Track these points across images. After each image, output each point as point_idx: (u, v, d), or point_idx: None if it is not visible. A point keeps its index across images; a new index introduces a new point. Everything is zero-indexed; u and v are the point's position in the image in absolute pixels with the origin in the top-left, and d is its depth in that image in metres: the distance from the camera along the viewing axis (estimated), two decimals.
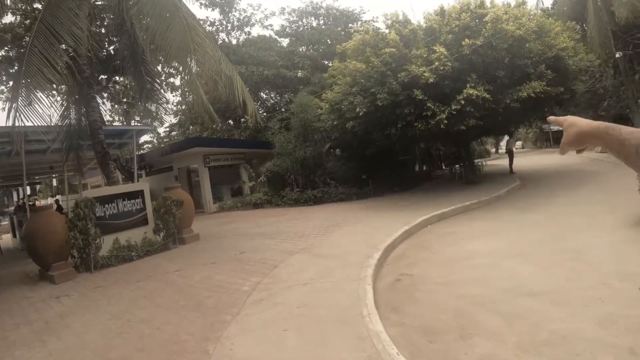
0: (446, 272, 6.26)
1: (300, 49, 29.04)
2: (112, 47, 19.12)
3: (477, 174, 18.83)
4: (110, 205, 9.92)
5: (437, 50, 12.92)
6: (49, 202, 22.80)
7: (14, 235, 17.94)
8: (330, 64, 26.15)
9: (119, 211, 10.09)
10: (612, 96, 27.76)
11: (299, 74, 27.74)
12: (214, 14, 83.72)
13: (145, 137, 38.02)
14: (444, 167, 28.74)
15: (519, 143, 77.56)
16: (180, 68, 11.74)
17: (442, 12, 14.90)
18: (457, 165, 22.31)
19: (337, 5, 32.33)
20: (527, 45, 13.42)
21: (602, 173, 16.19)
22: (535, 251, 6.67)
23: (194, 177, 22.50)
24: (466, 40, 12.96)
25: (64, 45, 8.87)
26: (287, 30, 30.80)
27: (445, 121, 12.84)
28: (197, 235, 11.41)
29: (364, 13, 32.04)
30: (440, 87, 13.20)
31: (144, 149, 30.35)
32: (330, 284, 5.95)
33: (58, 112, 11.84)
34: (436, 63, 12.81)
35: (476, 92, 12.60)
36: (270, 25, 42.20)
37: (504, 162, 29.07)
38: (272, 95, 31.50)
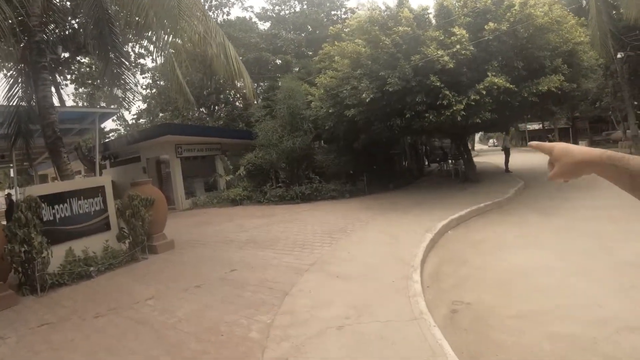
0: (509, 299, 5.05)
1: (283, 33, 27.04)
2: (76, 21, 16.82)
3: (476, 172, 17.44)
4: (61, 205, 7.73)
5: (457, 33, 11.46)
6: None
7: None
8: (310, 53, 24.61)
9: (73, 213, 7.92)
10: (607, 96, 27.34)
11: (278, 62, 25.87)
12: None
13: (110, 125, 35.37)
14: (427, 163, 27.68)
15: (491, 141, 78.04)
16: (156, 40, 9.90)
17: None
18: (450, 162, 21.83)
19: None
20: (545, 35, 12.22)
21: None
22: (595, 266, 5.81)
23: (164, 169, 20.19)
24: (490, 24, 11.57)
25: None
26: (268, 13, 28.74)
27: (463, 112, 11.49)
28: (172, 242, 9.37)
29: (347, 0, 30.18)
30: (457, 74, 11.79)
31: (109, 136, 27.68)
32: (377, 328, 4.19)
33: (3, 89, 9.66)
34: (457, 46, 11.38)
35: (500, 81, 11.30)
36: (251, 6, 40.08)
37: (485, 159, 28.41)
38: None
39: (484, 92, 11.34)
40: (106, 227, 8.53)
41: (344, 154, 16.17)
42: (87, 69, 20.22)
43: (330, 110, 14.12)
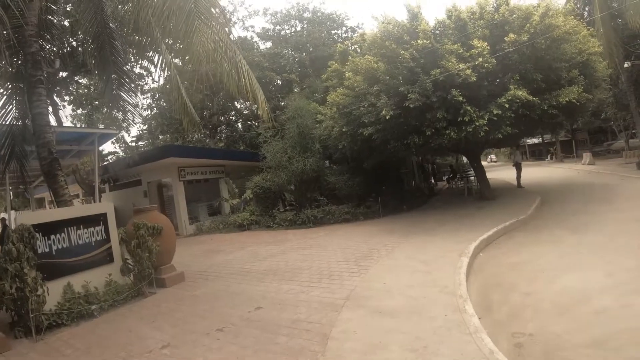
0: (575, 326, 4.63)
1: (286, 52, 26.59)
2: (74, 39, 16.24)
3: (491, 189, 16.79)
4: (58, 235, 6.93)
5: (477, 45, 11.02)
6: None
7: None
8: (311, 71, 24.18)
9: (71, 244, 7.10)
10: (608, 106, 27.14)
11: (279, 82, 25.35)
12: None
13: (109, 147, 34.63)
14: (434, 181, 27.23)
15: (490, 157, 77.86)
16: (159, 58, 9.40)
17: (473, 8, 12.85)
18: (460, 180, 22.06)
19: (324, 9, 30.18)
20: (562, 46, 11.89)
21: (615, 185, 16.75)
22: None
23: (167, 193, 19.33)
24: (510, 35, 11.15)
25: None
26: (269, 32, 28.34)
27: (485, 128, 10.95)
28: (182, 275, 8.54)
29: (347, 19, 30.04)
30: (478, 88, 11.31)
31: (107, 159, 26.87)
32: None
33: None
34: (479, 59, 10.92)
35: (523, 94, 10.89)
36: (252, 26, 39.63)
37: (493, 175, 27.99)
38: (248, 104, 28.86)
39: (507, 106, 10.88)
40: (109, 259, 7.70)
41: (356, 175, 15.46)
42: (86, 90, 19.57)
43: (344, 129, 13.46)
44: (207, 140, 26.92)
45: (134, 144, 30.41)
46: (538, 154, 55.59)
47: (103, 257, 7.60)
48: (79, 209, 8.27)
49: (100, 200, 17.95)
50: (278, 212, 15.98)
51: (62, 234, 7.01)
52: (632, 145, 29.81)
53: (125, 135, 28.62)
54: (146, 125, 29.17)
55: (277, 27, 29.11)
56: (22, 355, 5.37)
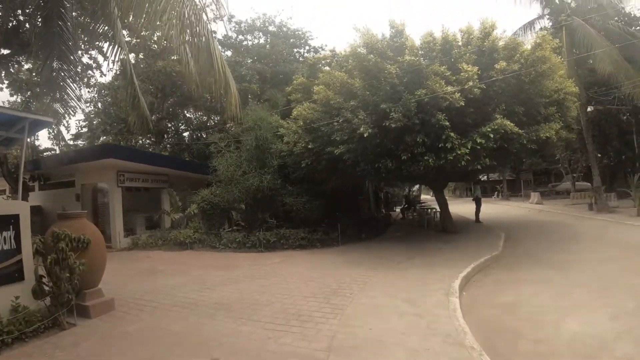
0: None
1: (248, 61, 25.37)
2: (21, 13, 14.20)
3: (452, 222, 16.25)
4: None
5: (466, 69, 10.40)
6: None
7: None
8: (269, 85, 23.32)
9: None
10: (561, 148, 28.19)
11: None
12: None
13: (46, 144, 31.73)
14: (384, 211, 26.78)
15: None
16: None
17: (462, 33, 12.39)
18: (414, 211, 22.72)
19: (290, 24, 29.30)
20: (544, 81, 11.75)
21: (572, 224, 17.36)
22: None
23: (102, 199, 17.18)
24: (501, 62, 10.68)
25: None
26: (230, 41, 27.04)
27: (467, 157, 10.38)
28: (111, 302, 6.85)
29: (311, 39, 29.55)
30: (463, 114, 10.73)
31: (42, 154, 24.12)
32: None
33: None
34: (469, 83, 10.32)
35: (510, 124, 10.44)
36: (214, 31, 37.93)
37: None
38: (199, 114, 27.26)
39: (491, 136, 10.36)
40: (17, 275, 5.93)
41: (315, 198, 14.25)
42: (27, 74, 17.37)
43: (309, 146, 12.30)
44: (152, 147, 24.90)
45: (72, 142, 27.84)
46: (483, 190, 56.98)
47: (10, 272, 5.83)
48: None
49: (27, 200, 15.68)
50: (225, 231, 14.44)
51: None
52: (579, 187, 30.68)
53: (64, 131, 26.06)
54: (87, 123, 26.72)
55: (240, 37, 28.06)
56: None
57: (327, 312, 6.21)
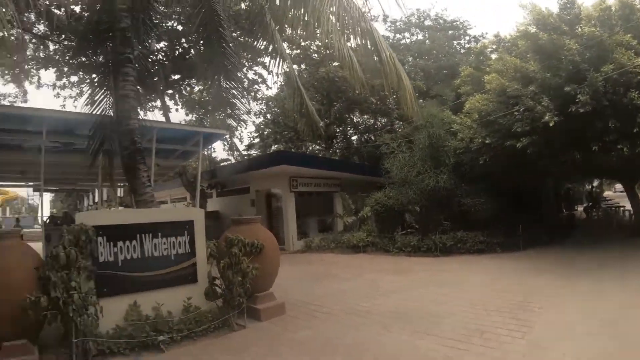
0: None
1: (410, 59, 24.46)
2: (185, 42, 15.73)
3: None
4: (128, 243, 5.42)
5: None
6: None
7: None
8: (437, 85, 21.93)
9: (144, 255, 5.57)
10: None
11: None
12: None
13: (222, 155, 34.80)
14: (564, 210, 23.27)
15: (619, 186, 67.22)
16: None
17: None
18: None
19: (446, 16, 27.88)
20: None
21: None
22: None
23: (275, 204, 17.79)
24: None
25: None
26: (389, 40, 26.44)
27: None
28: (282, 306, 6.58)
29: (469, 28, 27.63)
30: None
31: (218, 165, 26.55)
32: None
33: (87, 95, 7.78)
34: None
35: None
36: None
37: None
38: (365, 117, 27.01)
39: None
40: (191, 278, 6.01)
41: (493, 198, 12.60)
42: (197, 94, 19.13)
43: (486, 141, 10.90)
44: (322, 153, 25.39)
45: (245, 152, 29.98)
46: None
47: (184, 275, 5.94)
48: (158, 212, 6.71)
49: (205, 207, 17.02)
50: (399, 235, 13.65)
51: (133, 242, 5.48)
52: None
53: (238, 143, 28.24)
54: (258, 134, 28.55)
55: (397, 36, 27.35)
56: None
57: (513, 329, 5.19)
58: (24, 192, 29.74)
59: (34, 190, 18.36)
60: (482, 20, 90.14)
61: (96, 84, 7.60)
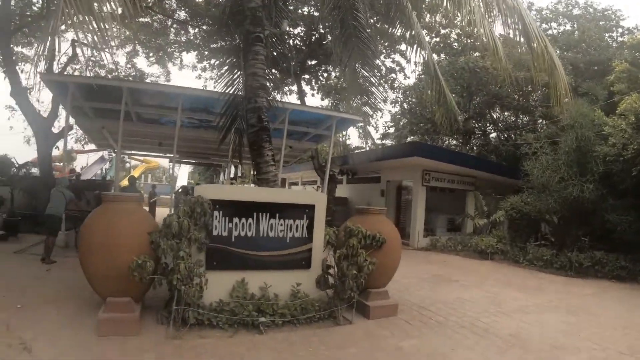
0: None
1: (557, 52, 21.97)
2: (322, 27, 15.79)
3: None
4: (243, 220, 5.42)
5: None
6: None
7: None
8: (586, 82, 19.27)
9: (258, 234, 5.53)
10: None
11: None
12: None
13: (356, 141, 34.67)
14: None
15: None
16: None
17: None
18: None
19: (596, 4, 24.67)
20: None
21: None
22: None
23: (405, 196, 17.21)
24: None
25: None
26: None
27: None
28: (394, 307, 6.17)
29: (623, 19, 23.90)
30: None
31: (352, 152, 26.61)
32: None
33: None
34: None
35: None
36: (516, 22, 34.73)
37: None
38: (505, 114, 24.81)
39: None
40: (304, 263, 5.86)
41: None
42: (334, 80, 19.14)
43: None
44: (459, 148, 23.96)
45: (379, 141, 29.51)
46: None
47: (297, 259, 5.80)
48: (278, 192, 6.63)
49: (334, 192, 17.05)
50: (531, 245, 12.32)
51: (249, 220, 5.45)
52: None
53: (373, 131, 27.90)
54: (393, 123, 27.82)
55: (544, 25, 24.51)
56: (140, 350, 4.25)
57: None
58: (165, 162, 32.47)
59: (170, 162, 19.89)
60: (637, 10, 77.46)
61: (229, 65, 7.83)
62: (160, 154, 17.18)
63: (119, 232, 4.80)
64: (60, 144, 15.07)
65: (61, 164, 19.71)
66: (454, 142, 24.93)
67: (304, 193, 8.22)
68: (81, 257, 5.02)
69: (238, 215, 5.37)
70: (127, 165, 29.87)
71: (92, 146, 21.24)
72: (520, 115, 23.56)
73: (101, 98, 8.79)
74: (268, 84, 7.30)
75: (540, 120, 21.10)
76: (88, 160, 30.56)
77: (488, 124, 25.06)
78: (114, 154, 28.87)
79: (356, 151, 25.74)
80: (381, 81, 11.31)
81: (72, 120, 11.56)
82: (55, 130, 15.82)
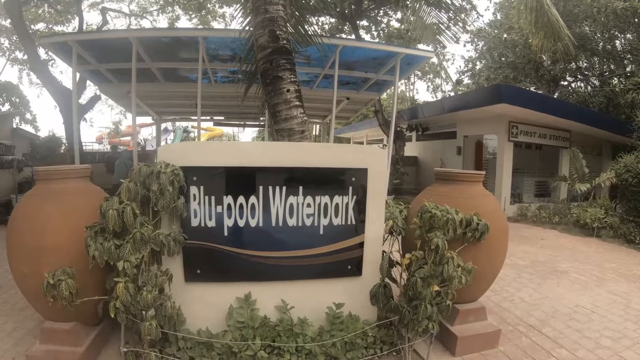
0: None
1: None
2: None
3: None
4: (243, 200, 3.23)
5: None
6: None
7: None
8: None
9: (269, 223, 3.32)
10: None
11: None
12: None
13: (425, 96, 32.06)
14: None
15: None
16: None
17: None
18: None
19: None
20: None
21: None
22: None
23: (486, 155, 14.56)
24: None
25: None
26: None
27: None
28: (495, 335, 3.86)
29: None
30: None
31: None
32: None
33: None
34: None
35: None
36: None
37: None
38: (595, 59, 20.62)
39: None
40: (350, 268, 3.59)
41: None
42: (395, 27, 17.08)
43: None
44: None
45: (450, 93, 26.39)
46: None
47: (339, 261, 3.54)
48: (301, 149, 3.63)
49: (402, 151, 14.64)
50: None
51: (251, 198, 3.30)
52: None
53: (443, 84, 24.79)
54: (468, 67, 24.28)
55: None
56: None
57: None
58: (229, 130, 31.41)
59: (214, 125, 18.91)
60: None
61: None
62: (207, 117, 15.22)
63: (44, 228, 2.99)
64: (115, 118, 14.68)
65: (129, 138, 19.26)
66: (539, 91, 21.40)
67: (348, 148, 5.94)
68: (9, 263, 3.23)
69: (232, 192, 3.26)
70: (192, 134, 29.01)
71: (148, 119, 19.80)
72: (611, 61, 19.88)
73: (117, 57, 7.90)
74: None
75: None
76: (152, 133, 30.19)
77: (582, 70, 21.25)
78: (177, 124, 28.46)
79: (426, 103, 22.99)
80: (449, 23, 9.13)
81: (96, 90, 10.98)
82: (82, 101, 15.16)
